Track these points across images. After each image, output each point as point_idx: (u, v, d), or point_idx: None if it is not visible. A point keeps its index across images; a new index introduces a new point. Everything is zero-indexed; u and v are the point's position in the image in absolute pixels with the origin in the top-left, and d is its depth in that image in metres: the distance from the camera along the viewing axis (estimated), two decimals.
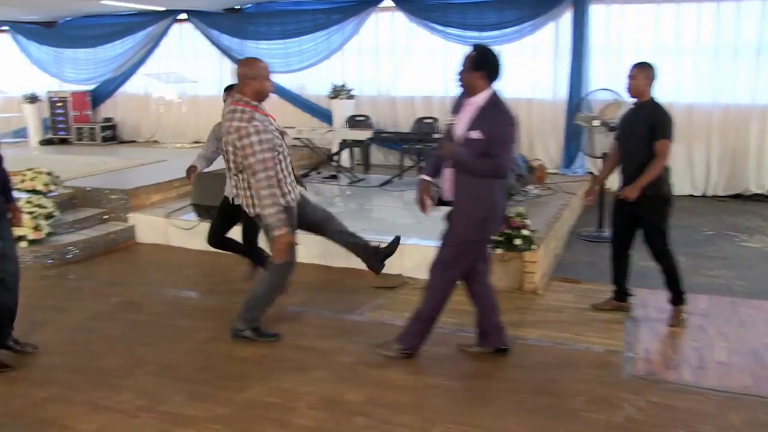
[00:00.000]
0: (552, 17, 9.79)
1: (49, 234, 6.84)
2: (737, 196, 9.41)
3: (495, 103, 3.93)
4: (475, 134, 3.87)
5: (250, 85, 4.33)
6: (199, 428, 3.58)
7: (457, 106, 4.11)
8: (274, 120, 4.53)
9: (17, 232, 6.75)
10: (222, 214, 5.72)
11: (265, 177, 4.20)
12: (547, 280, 5.96)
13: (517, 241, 5.67)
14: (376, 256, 4.94)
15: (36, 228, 6.74)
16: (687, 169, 9.47)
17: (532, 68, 10.20)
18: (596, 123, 7.35)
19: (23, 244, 6.74)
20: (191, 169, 5.74)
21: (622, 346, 4.57)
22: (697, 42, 9.24)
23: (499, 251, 5.69)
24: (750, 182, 9.40)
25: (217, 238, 5.76)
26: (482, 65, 3.92)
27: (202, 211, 6.98)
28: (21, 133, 12.57)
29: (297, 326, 5.02)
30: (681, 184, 9.37)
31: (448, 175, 4.07)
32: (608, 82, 9.11)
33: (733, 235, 7.49)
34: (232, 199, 5.24)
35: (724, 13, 9.10)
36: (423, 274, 5.86)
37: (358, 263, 6.16)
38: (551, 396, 3.88)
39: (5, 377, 4.21)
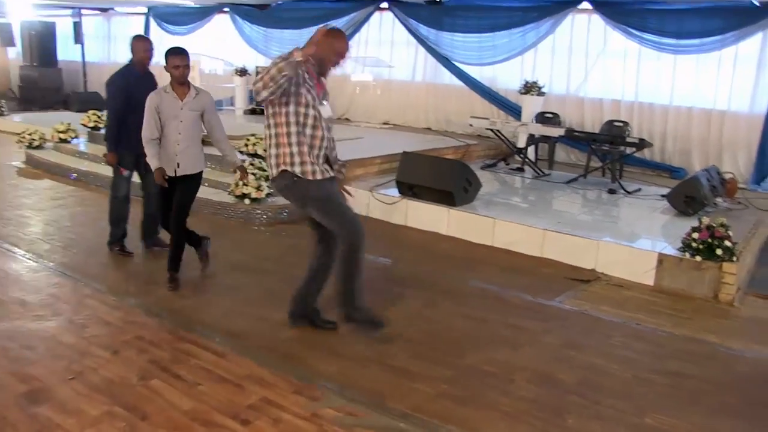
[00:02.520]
0: (761, 27, 9.52)
1: (267, 195, 7.63)
2: None
3: None
4: None
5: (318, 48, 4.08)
6: (428, 384, 4.04)
7: None
8: (323, 92, 4.31)
9: (242, 190, 7.65)
10: (164, 191, 5.51)
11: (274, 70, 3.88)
12: (743, 294, 6.02)
13: (719, 251, 5.77)
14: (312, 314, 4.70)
15: (258, 188, 7.56)
16: None
17: (729, 79, 10.00)
18: None
19: (246, 201, 7.60)
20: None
21: None
22: None
23: (697, 259, 5.84)
24: None
25: (167, 218, 5.59)
26: None
27: (404, 188, 7.57)
28: (230, 102, 13.77)
29: (502, 305, 5.44)
30: None
31: None
32: None
33: None
34: (176, 170, 5.37)
35: None
36: (614, 272, 6.22)
37: (553, 254, 6.57)
38: (766, 408, 4.02)
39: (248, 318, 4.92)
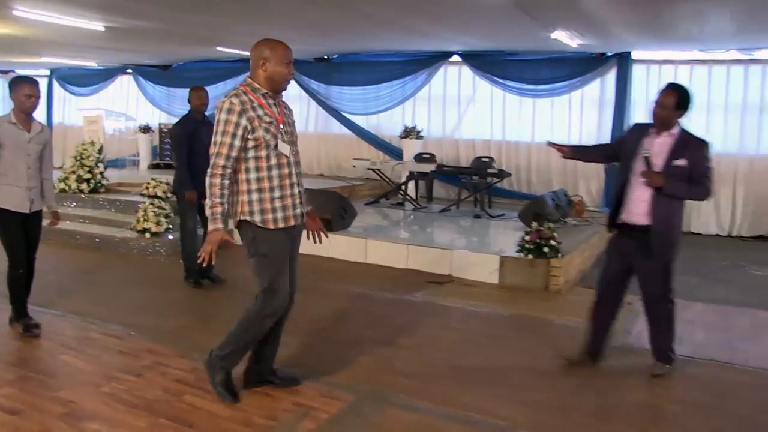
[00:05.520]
0: (599, 74, 11.16)
1: (166, 230, 8.51)
2: (760, 237, 10.46)
3: (690, 134, 4.37)
4: (681, 162, 4.26)
5: (261, 68, 3.66)
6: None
7: (639, 139, 4.41)
8: (289, 114, 3.88)
9: (143, 225, 8.49)
10: (23, 234, 5.10)
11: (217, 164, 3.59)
12: (571, 286, 7.20)
13: (546, 249, 6.97)
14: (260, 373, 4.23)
15: (157, 224, 8.46)
16: (714, 211, 10.59)
17: (579, 118, 11.56)
18: None
19: (147, 235, 8.45)
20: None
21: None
22: (726, 100, 10.49)
23: (530, 257, 7.01)
24: None
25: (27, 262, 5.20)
26: (685, 106, 4.31)
27: None
28: (135, 156, 14.54)
29: (367, 301, 6.46)
30: (708, 224, 10.56)
31: (641, 199, 4.36)
32: None
33: (746, 266, 8.57)
34: (30, 207, 5.03)
35: (752, 74, 10.35)
36: (467, 275, 7.32)
37: (416, 264, 7.64)
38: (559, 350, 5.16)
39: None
